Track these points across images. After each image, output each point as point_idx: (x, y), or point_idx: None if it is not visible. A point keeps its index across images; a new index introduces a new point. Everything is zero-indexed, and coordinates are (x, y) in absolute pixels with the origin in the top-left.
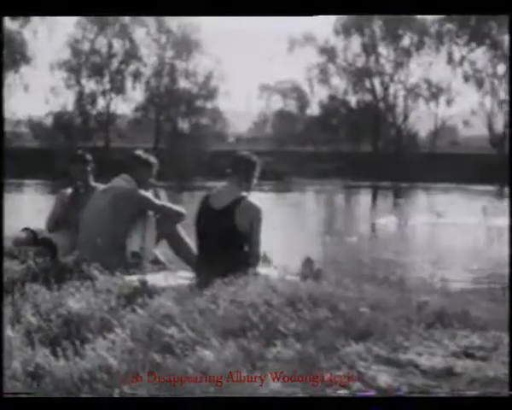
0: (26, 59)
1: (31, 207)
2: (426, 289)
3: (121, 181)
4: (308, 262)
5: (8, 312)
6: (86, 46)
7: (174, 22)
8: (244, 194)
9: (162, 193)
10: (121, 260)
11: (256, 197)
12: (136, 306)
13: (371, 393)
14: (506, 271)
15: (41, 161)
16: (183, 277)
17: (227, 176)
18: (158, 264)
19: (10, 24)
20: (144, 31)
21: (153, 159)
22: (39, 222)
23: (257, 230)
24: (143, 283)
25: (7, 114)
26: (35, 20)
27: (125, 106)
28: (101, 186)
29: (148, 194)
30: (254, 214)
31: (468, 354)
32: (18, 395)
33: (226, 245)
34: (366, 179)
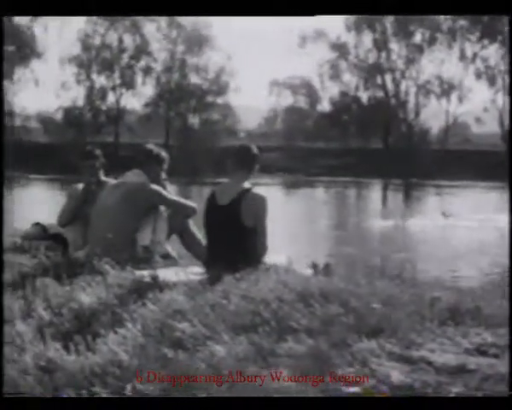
0: (36, 54)
1: (39, 202)
2: (438, 285)
3: (133, 176)
4: (314, 266)
5: (19, 306)
6: (97, 41)
7: (185, 17)
8: (248, 186)
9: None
10: (132, 255)
11: (264, 191)
12: (147, 300)
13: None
14: None
15: (50, 155)
16: (194, 272)
17: (230, 169)
18: (169, 259)
19: (20, 19)
20: (155, 26)
21: (164, 154)
22: (48, 216)
23: (262, 220)
24: (154, 277)
25: (17, 109)
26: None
27: (134, 101)
28: (112, 181)
29: (160, 188)
30: (259, 205)
31: (480, 351)
32: (18, 395)
33: (233, 240)
34: (376, 176)
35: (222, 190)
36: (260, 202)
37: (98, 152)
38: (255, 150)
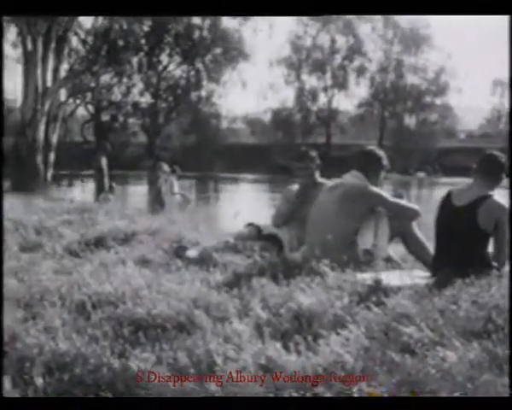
0: (244, 56)
1: (247, 202)
2: None
3: (351, 177)
4: None
5: (234, 305)
6: (308, 42)
7: (402, 17)
8: (489, 192)
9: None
10: (352, 258)
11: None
12: (370, 303)
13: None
14: None
15: (258, 156)
16: (419, 276)
17: (474, 173)
18: (391, 262)
19: (228, 22)
20: (370, 26)
21: (385, 155)
22: (257, 217)
23: (503, 229)
24: (378, 281)
25: (223, 111)
26: (255, 17)
27: (347, 102)
28: (329, 182)
29: (380, 191)
30: (500, 214)
31: None
32: (17, 396)
33: (467, 244)
34: None
35: (459, 192)
36: (501, 212)
37: (313, 153)
38: (503, 160)
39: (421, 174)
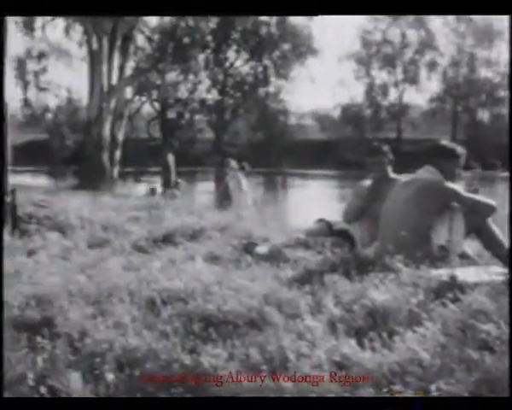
0: (312, 51)
1: (314, 198)
2: None
3: (425, 173)
4: None
5: (306, 301)
6: (378, 37)
7: None
8: None
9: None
10: (426, 254)
11: None
12: (446, 300)
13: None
14: None
15: (326, 152)
16: (496, 272)
17: None
18: (466, 258)
19: (296, 17)
20: (441, 20)
21: (460, 149)
22: (325, 212)
23: None
24: (453, 277)
25: (291, 107)
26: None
27: (418, 96)
28: (402, 178)
29: (455, 186)
30: None
31: None
32: (18, 396)
33: None
34: None
35: None
36: None
37: (386, 148)
38: None
39: (478, 170)
